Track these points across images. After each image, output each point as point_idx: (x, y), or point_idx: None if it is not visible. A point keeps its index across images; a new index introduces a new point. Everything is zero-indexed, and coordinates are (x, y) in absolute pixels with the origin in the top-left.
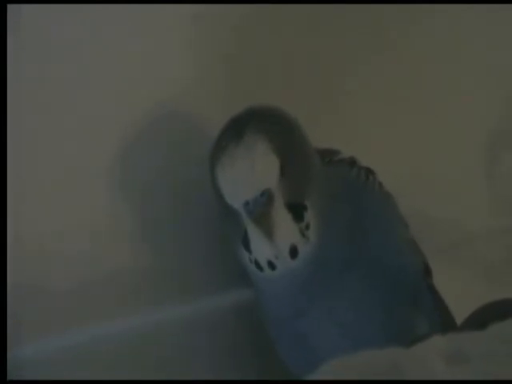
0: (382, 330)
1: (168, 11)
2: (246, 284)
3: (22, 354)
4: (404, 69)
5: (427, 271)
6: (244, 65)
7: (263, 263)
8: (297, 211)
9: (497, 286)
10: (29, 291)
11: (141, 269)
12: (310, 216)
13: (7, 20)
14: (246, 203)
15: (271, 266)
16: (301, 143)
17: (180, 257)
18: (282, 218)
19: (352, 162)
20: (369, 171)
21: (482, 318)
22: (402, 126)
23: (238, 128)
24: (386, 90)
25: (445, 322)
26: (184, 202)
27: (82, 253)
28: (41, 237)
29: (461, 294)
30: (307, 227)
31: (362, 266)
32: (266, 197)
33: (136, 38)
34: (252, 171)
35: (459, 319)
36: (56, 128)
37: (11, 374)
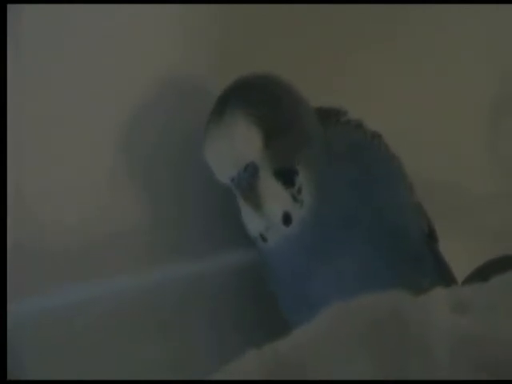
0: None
1: None
2: (247, 245)
3: (23, 311)
4: (410, 35)
5: (432, 235)
6: (246, 30)
7: (255, 236)
8: (287, 177)
9: (499, 251)
10: (29, 250)
11: (141, 229)
12: (302, 179)
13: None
14: (232, 179)
15: (263, 238)
16: (290, 109)
17: (180, 217)
18: (270, 187)
19: (359, 124)
20: (375, 133)
21: (484, 273)
22: (404, 90)
23: (219, 105)
24: (391, 56)
25: (447, 283)
26: (184, 163)
27: (82, 212)
28: (41, 196)
29: (463, 258)
30: (299, 191)
31: (364, 224)
32: (250, 170)
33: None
34: (232, 147)
35: None
36: (59, 87)
37: (12, 332)
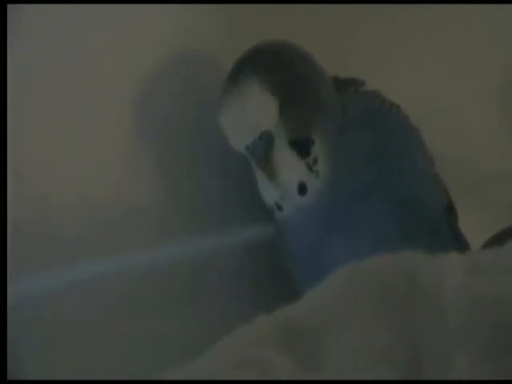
0: None
1: None
2: (262, 220)
3: (23, 289)
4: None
5: (450, 209)
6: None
7: (271, 205)
8: (302, 147)
9: None
10: (32, 228)
11: (155, 205)
12: (317, 149)
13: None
14: (247, 148)
15: (278, 207)
16: (306, 77)
17: (194, 192)
18: (285, 156)
19: (377, 94)
20: (393, 103)
21: (499, 239)
22: (421, 66)
23: (233, 72)
24: (406, 30)
25: None
26: (198, 138)
27: (92, 189)
28: (44, 172)
29: (478, 232)
30: (315, 161)
31: (380, 195)
32: (265, 139)
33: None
34: (247, 115)
35: None
36: (65, 61)
37: (12, 311)
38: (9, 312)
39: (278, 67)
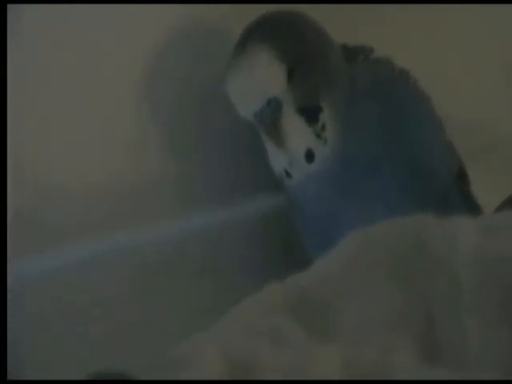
0: None
1: None
2: (274, 192)
3: (23, 269)
4: None
5: (462, 176)
6: None
7: (280, 172)
8: (310, 114)
9: None
10: (35, 207)
11: (166, 179)
12: (326, 117)
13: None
14: (255, 114)
15: (287, 174)
16: (315, 45)
17: (204, 166)
18: (293, 123)
19: (387, 61)
20: (404, 70)
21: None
22: (431, 31)
23: (242, 40)
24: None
25: None
26: (210, 112)
27: (100, 164)
28: (47, 150)
29: (492, 197)
30: (323, 128)
31: (392, 164)
32: (273, 105)
33: None
34: (254, 81)
35: None
36: (73, 39)
37: (11, 291)
38: (9, 293)
39: (286, 35)
